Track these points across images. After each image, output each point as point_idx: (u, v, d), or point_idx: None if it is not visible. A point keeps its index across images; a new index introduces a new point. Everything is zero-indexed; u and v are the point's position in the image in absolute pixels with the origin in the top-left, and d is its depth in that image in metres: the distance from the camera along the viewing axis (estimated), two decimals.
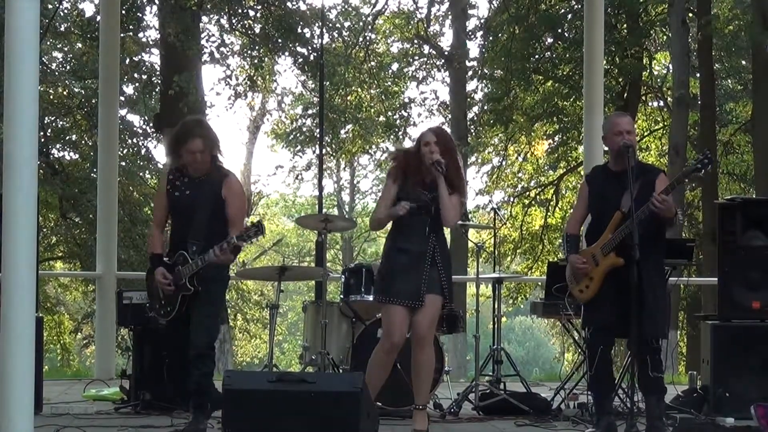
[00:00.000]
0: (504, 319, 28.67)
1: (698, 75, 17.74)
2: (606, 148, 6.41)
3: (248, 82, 18.40)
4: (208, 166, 6.11)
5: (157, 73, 16.90)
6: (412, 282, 5.98)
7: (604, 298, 6.06)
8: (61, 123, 18.75)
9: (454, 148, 6.27)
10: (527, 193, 22.02)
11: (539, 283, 16.02)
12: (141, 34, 17.24)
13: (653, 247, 5.96)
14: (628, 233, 5.81)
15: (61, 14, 17.53)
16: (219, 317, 6.44)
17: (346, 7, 21.60)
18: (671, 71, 18.00)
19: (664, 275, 6.40)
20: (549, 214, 21.22)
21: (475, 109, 21.20)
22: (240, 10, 17.05)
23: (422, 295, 5.98)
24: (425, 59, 22.82)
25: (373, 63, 21.64)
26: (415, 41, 22.73)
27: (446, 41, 22.50)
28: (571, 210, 7.12)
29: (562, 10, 19.17)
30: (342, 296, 7.54)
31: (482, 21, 21.27)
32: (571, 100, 19.19)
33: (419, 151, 6.13)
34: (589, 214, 6.29)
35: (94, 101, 16.42)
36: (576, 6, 18.18)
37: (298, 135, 22.52)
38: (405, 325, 6.05)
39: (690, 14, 17.20)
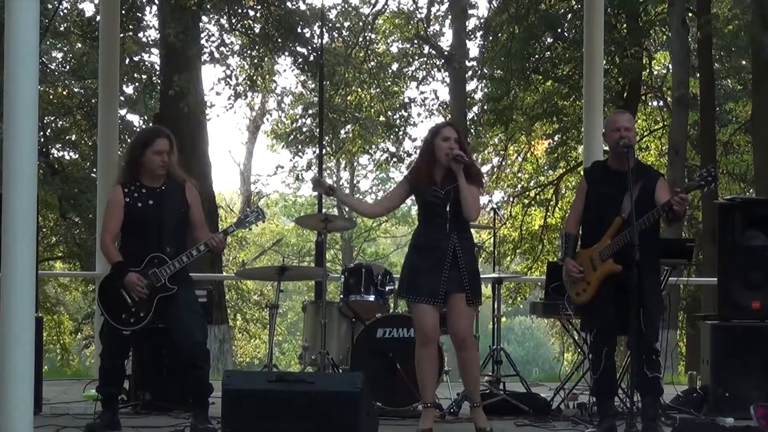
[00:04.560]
0: (504, 319, 28.69)
1: (698, 75, 17.71)
2: (606, 147, 6.41)
3: (248, 82, 18.38)
4: (167, 171, 6.16)
5: (157, 73, 16.89)
6: (433, 281, 6.00)
7: (602, 301, 6.06)
8: (60, 123, 18.79)
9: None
10: (527, 193, 22.01)
11: (539, 283, 16.01)
12: (141, 34, 17.23)
13: (650, 248, 5.96)
14: (627, 241, 5.81)
15: (61, 14, 17.53)
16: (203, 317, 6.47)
17: (346, 7, 21.60)
18: (671, 71, 17.98)
19: (659, 275, 6.43)
20: (549, 214, 21.20)
21: (475, 109, 21.18)
22: (240, 10, 17.03)
23: (442, 295, 5.99)
24: (425, 59, 22.80)
25: (373, 63, 21.64)
26: (415, 41, 22.70)
27: (446, 41, 22.51)
28: (570, 208, 7.12)
29: (562, 10, 19.15)
30: (342, 296, 7.53)
31: (482, 21, 21.26)
32: (571, 99, 19.18)
33: (432, 143, 6.12)
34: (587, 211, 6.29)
35: (93, 101, 16.44)
36: (576, 6, 18.16)
37: (298, 135, 22.50)
38: (433, 317, 6.06)
39: (690, 14, 17.18)
